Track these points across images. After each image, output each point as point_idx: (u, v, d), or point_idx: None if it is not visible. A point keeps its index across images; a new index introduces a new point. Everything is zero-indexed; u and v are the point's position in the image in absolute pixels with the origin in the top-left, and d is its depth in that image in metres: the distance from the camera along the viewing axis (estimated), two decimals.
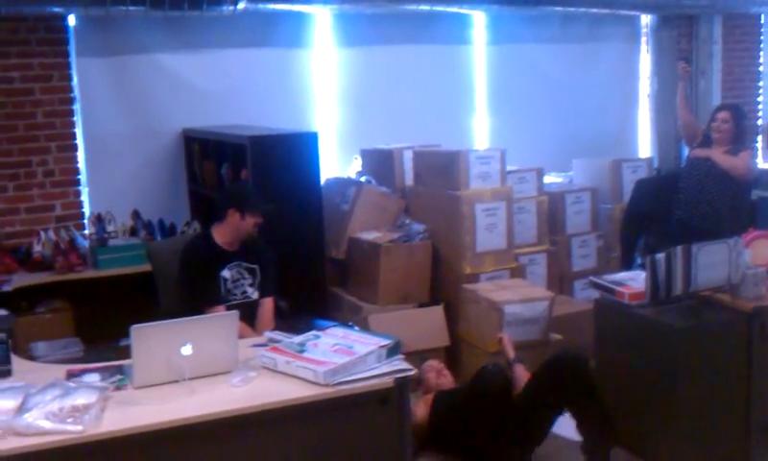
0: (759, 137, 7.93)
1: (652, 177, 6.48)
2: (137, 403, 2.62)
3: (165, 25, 5.76)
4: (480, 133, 6.93)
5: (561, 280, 5.82)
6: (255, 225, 3.98)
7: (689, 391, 3.57)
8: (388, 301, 5.07)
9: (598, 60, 7.36)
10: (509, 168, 5.39)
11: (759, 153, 7.85)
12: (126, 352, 2.85)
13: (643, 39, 7.61)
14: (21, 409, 2.45)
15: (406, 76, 6.55)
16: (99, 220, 5.47)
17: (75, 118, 5.65)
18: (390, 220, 5.48)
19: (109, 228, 5.45)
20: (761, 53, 8.09)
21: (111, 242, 5.36)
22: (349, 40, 6.37)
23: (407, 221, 5.39)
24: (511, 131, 6.86)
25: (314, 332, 3.08)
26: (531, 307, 4.56)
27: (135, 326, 2.72)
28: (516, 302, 4.53)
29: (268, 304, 4.02)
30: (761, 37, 8.07)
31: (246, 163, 4.79)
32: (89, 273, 5.24)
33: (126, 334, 2.75)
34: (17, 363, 3.02)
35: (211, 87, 5.98)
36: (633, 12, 7.27)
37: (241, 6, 5.36)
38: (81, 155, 5.70)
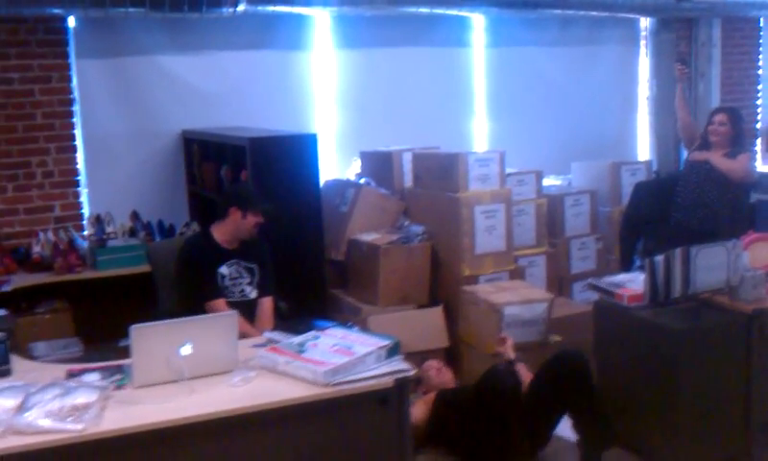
0: (758, 140, 7.95)
1: (651, 180, 6.47)
2: (137, 403, 2.62)
3: (165, 27, 5.76)
4: (479, 135, 6.94)
5: (560, 282, 5.83)
6: (256, 225, 4.01)
7: (689, 393, 3.57)
8: (387, 302, 5.07)
9: (597, 64, 7.38)
10: (508, 170, 5.39)
11: (758, 156, 7.87)
12: (125, 353, 2.86)
13: (642, 42, 7.62)
14: (21, 408, 2.45)
15: (405, 78, 6.56)
16: (98, 221, 5.47)
17: (74, 119, 5.66)
18: (389, 222, 5.48)
19: (109, 229, 5.46)
20: (760, 56, 8.11)
21: (110, 243, 5.36)
22: (349, 42, 6.38)
23: (406, 223, 5.40)
24: (510, 133, 6.87)
25: (313, 333, 3.08)
26: (530, 309, 4.56)
27: (135, 325, 2.72)
28: (516, 303, 4.54)
29: (267, 304, 4.03)
30: (760, 41, 8.08)
31: (245, 165, 4.79)
32: (88, 273, 5.24)
33: (125, 335, 2.75)
34: (17, 363, 3.03)
35: (211, 89, 5.99)
36: (632, 16, 7.29)
37: (241, 8, 5.37)
38: (80, 156, 5.71)
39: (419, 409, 3.79)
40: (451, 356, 4.91)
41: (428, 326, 4.98)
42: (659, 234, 5.27)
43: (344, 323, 3.77)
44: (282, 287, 4.20)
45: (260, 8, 5.55)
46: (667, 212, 5.34)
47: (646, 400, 3.70)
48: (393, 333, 3.15)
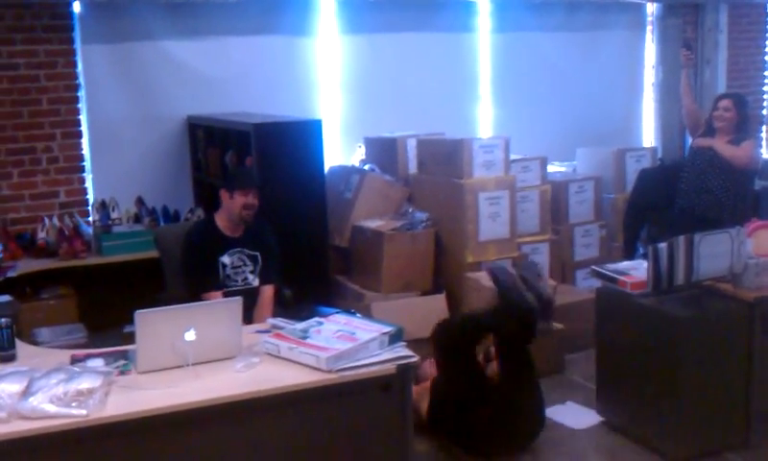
0: (765, 127, 7.91)
1: (655, 166, 6.46)
2: (141, 388, 2.64)
3: (170, 12, 5.76)
4: (484, 121, 6.92)
5: (563, 269, 5.83)
6: (246, 206, 3.93)
7: (690, 379, 3.58)
8: (391, 289, 5.08)
9: (603, 49, 7.34)
10: (512, 157, 5.39)
11: (764, 142, 7.84)
12: (129, 339, 2.87)
13: (649, 28, 7.58)
14: (26, 393, 2.47)
15: (410, 64, 6.54)
16: (103, 206, 5.49)
17: (80, 105, 5.66)
18: (393, 208, 5.49)
19: (113, 214, 5.47)
20: (767, 42, 8.06)
21: (115, 229, 5.39)
22: (354, 28, 6.36)
23: (410, 209, 5.39)
24: (515, 119, 6.85)
25: (317, 319, 3.10)
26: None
27: (140, 311, 2.74)
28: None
29: (267, 292, 4.02)
30: (767, 27, 8.03)
31: (250, 150, 4.80)
32: (93, 259, 5.26)
33: (129, 321, 2.77)
34: (22, 348, 3.05)
35: (216, 74, 5.98)
36: (638, 1, 7.25)
37: None
38: (85, 141, 5.72)
39: (419, 396, 3.80)
40: None
41: (431, 312, 4.95)
42: (662, 221, 5.26)
43: (347, 309, 3.77)
44: (286, 274, 4.21)
45: None
46: (671, 199, 5.32)
47: (648, 386, 3.71)
48: (396, 320, 3.16)
